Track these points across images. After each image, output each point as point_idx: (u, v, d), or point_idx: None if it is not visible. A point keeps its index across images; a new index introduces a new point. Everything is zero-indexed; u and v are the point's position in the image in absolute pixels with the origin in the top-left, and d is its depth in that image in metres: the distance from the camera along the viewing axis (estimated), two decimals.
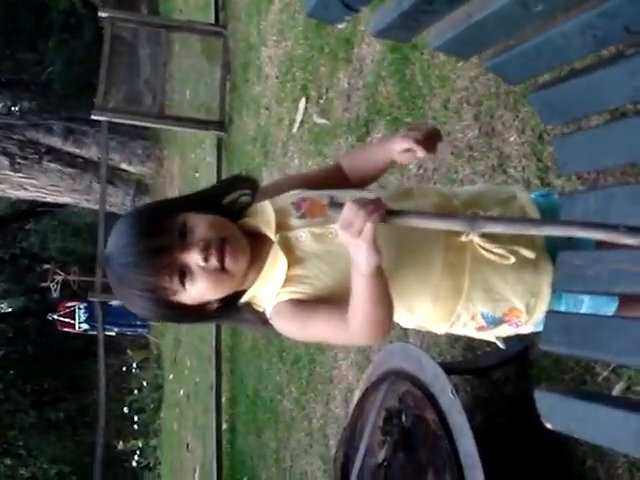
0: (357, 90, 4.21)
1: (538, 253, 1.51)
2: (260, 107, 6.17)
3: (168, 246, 1.39)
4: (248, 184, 1.59)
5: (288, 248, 1.48)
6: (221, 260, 1.40)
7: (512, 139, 2.76)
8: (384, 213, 1.25)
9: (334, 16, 1.23)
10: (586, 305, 1.52)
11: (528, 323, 1.59)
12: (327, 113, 4.64)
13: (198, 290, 1.42)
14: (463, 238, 1.48)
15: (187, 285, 1.41)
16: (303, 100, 5.05)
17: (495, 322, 1.59)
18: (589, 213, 1.32)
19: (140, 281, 1.41)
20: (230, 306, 1.53)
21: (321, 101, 4.76)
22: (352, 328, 1.42)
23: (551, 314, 1.36)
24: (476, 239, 1.47)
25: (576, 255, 1.30)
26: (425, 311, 1.57)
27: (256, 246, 1.49)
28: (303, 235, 1.47)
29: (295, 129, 5.17)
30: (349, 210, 1.26)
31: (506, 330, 1.63)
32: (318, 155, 4.69)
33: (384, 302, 1.39)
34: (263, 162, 5.89)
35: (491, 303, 1.55)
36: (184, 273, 1.41)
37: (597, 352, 1.28)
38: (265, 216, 1.50)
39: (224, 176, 7.10)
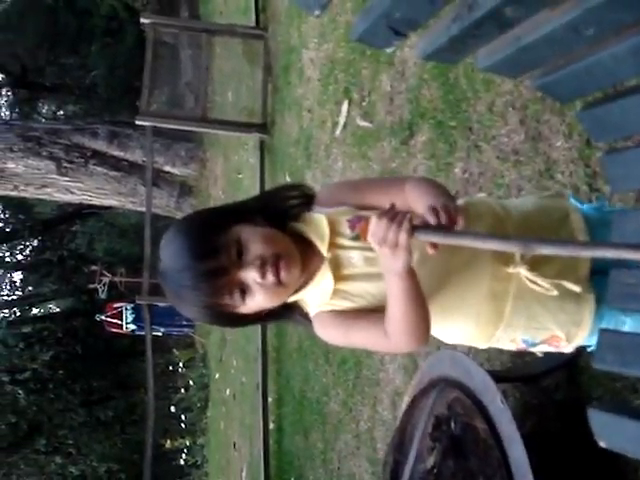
0: (400, 93, 4.21)
1: (583, 283, 1.52)
2: (302, 109, 6.19)
3: (225, 267, 1.41)
4: (300, 192, 1.60)
5: (338, 265, 1.50)
6: (277, 274, 1.42)
7: (559, 144, 2.74)
8: (411, 225, 1.28)
9: (382, 42, 1.24)
10: (628, 325, 1.51)
11: (568, 347, 1.61)
12: (370, 116, 4.64)
13: (257, 303, 1.46)
14: (511, 269, 1.49)
15: (247, 300, 1.44)
16: (345, 103, 5.06)
17: (535, 345, 1.62)
18: None
19: (200, 300, 1.45)
20: (283, 308, 1.56)
21: (364, 104, 4.77)
22: (391, 334, 1.45)
23: (604, 332, 1.36)
24: (523, 272, 1.48)
25: (629, 273, 1.30)
26: (465, 333, 1.61)
27: (305, 250, 1.51)
28: (355, 257, 1.50)
29: (338, 132, 5.18)
30: (379, 225, 1.29)
31: (546, 349, 1.65)
32: (362, 158, 4.69)
33: (419, 304, 1.42)
34: (306, 164, 5.91)
35: (532, 331, 1.58)
36: (244, 290, 1.43)
37: None
38: (319, 230, 1.51)
39: (267, 178, 7.15)
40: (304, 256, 1.50)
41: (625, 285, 1.29)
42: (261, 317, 1.56)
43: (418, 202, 1.42)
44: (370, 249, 1.41)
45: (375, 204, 1.51)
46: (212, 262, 1.41)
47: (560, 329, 1.56)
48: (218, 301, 1.44)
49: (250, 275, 1.42)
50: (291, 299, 1.54)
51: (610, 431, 1.29)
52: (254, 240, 1.44)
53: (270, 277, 1.41)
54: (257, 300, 1.45)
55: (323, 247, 1.50)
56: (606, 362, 1.33)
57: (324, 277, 1.50)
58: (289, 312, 1.59)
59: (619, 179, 1.38)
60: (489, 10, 1.08)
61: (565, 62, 1.25)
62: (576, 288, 1.49)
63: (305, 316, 1.58)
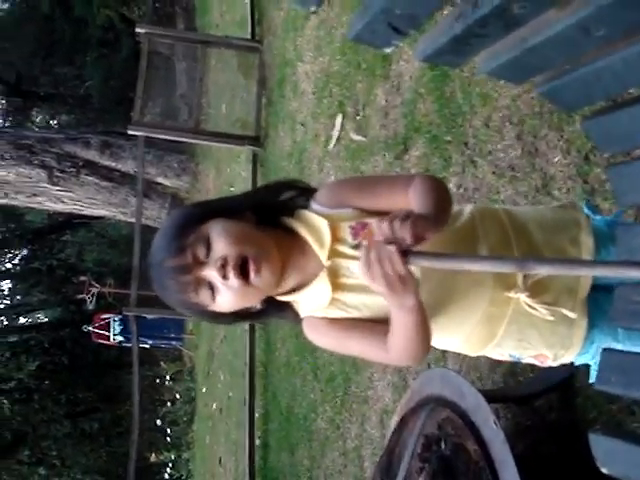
0: (395, 107, 4.16)
1: (578, 308, 1.50)
2: (296, 123, 6.15)
3: (187, 265, 1.39)
4: (295, 187, 1.56)
5: (336, 274, 1.45)
6: (242, 276, 1.37)
7: (556, 160, 2.69)
8: (400, 258, 1.18)
9: (381, 41, 1.18)
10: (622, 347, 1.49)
11: (553, 363, 1.60)
12: (364, 130, 4.60)
13: (227, 303, 1.41)
14: (512, 294, 1.46)
15: (217, 299, 1.41)
16: (340, 116, 5.02)
17: (521, 360, 1.62)
18: None
19: (171, 296, 1.44)
20: (274, 307, 1.52)
21: (358, 117, 4.72)
22: (392, 352, 1.42)
23: (607, 352, 1.30)
24: (523, 297, 1.45)
25: (635, 291, 1.24)
26: (455, 346, 1.60)
27: (298, 249, 1.46)
28: (355, 268, 1.42)
29: (331, 145, 5.13)
30: (365, 263, 1.21)
31: (531, 362, 1.63)
32: (355, 172, 4.64)
33: (425, 329, 1.38)
34: (299, 178, 5.84)
35: (521, 350, 1.56)
36: (212, 289, 1.40)
37: None
38: (320, 235, 1.45)
39: None
40: (294, 255, 1.45)
41: (631, 302, 1.23)
42: (246, 314, 1.51)
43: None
44: None
45: (380, 207, 1.44)
46: (178, 260, 1.39)
47: (549, 350, 1.56)
48: (186, 299, 1.42)
49: (212, 274, 1.38)
50: (284, 299, 1.49)
51: (613, 457, 1.23)
52: (222, 239, 1.39)
53: (232, 279, 1.36)
54: (225, 300, 1.40)
55: (323, 254, 1.44)
56: (609, 383, 1.26)
57: (321, 285, 1.45)
58: (279, 310, 1.54)
59: (624, 193, 1.32)
60: (495, 7, 1.02)
61: (572, 67, 1.19)
62: (572, 315, 1.48)
63: (296, 316, 1.53)
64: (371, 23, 1.15)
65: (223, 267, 1.36)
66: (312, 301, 1.47)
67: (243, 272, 1.36)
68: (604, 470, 1.22)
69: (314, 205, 1.49)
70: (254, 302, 1.46)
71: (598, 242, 1.52)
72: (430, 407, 2.62)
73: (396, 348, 1.41)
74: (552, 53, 1.13)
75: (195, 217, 1.44)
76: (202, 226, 1.41)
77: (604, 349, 1.34)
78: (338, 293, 1.44)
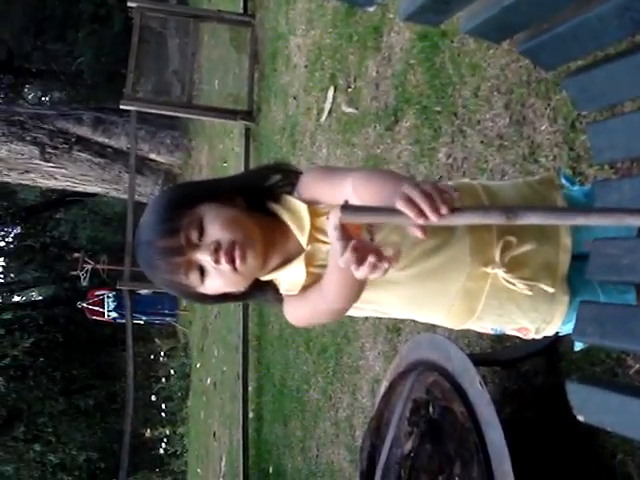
0: (386, 79, 4.18)
1: (558, 284, 1.52)
2: (288, 96, 6.15)
3: (180, 247, 1.40)
4: (283, 172, 1.56)
5: (314, 256, 1.47)
6: (231, 262, 1.39)
7: (543, 128, 2.72)
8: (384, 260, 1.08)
9: (364, 0, 1.20)
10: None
11: (536, 336, 1.63)
12: (355, 102, 4.61)
13: (215, 286, 1.44)
14: (489, 270, 1.48)
15: (206, 282, 1.43)
16: (331, 89, 5.03)
17: (503, 332, 1.65)
18: (624, 201, 1.28)
19: (160, 276, 1.46)
20: (256, 288, 1.53)
21: (349, 90, 4.74)
22: (327, 294, 1.40)
23: (585, 304, 1.33)
24: (501, 273, 1.47)
25: (610, 244, 1.27)
26: (435, 320, 1.62)
27: (281, 233, 1.48)
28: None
29: (323, 118, 5.14)
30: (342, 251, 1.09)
31: (513, 334, 1.66)
32: (347, 145, 4.66)
33: (357, 293, 1.39)
34: (291, 152, 5.87)
35: (502, 324, 1.59)
36: (202, 272, 1.42)
37: (631, 343, 1.25)
38: (300, 221, 1.47)
39: (252, 166, 7.10)
40: (277, 238, 1.48)
41: (606, 256, 1.26)
42: (232, 297, 1.53)
43: (382, 194, 1.21)
44: None
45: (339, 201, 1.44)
46: (171, 241, 1.40)
47: (531, 324, 1.58)
48: (175, 280, 1.44)
49: (205, 258, 1.40)
50: (265, 278, 1.52)
51: (589, 405, 1.26)
52: (215, 223, 1.41)
53: (224, 264, 1.39)
54: (215, 283, 1.43)
55: (303, 239, 1.46)
56: (586, 334, 1.30)
57: (298, 268, 1.47)
58: (262, 292, 1.56)
59: (601, 150, 1.35)
60: None
61: (550, 25, 1.22)
62: (551, 290, 1.50)
63: (279, 295, 1.55)
64: None
65: (216, 251, 1.38)
66: (289, 282, 1.50)
67: (233, 258, 1.39)
68: (580, 417, 1.25)
69: (296, 193, 1.51)
70: (241, 287, 1.48)
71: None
72: (418, 371, 2.67)
73: (334, 286, 1.37)
74: (530, 11, 1.15)
75: (188, 199, 1.45)
76: (195, 209, 1.42)
77: (581, 301, 1.37)
78: (314, 268, 1.47)
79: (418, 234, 1.05)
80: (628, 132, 1.25)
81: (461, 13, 1.28)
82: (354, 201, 1.27)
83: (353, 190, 1.35)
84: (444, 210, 1.02)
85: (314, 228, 1.45)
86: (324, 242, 1.45)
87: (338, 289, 1.37)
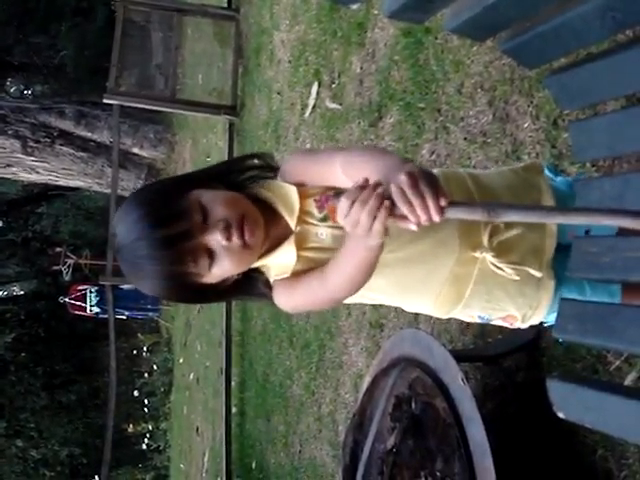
0: (370, 75, 4.18)
1: (544, 268, 1.53)
2: (272, 92, 6.14)
3: (189, 231, 1.35)
4: (261, 161, 1.55)
5: (304, 239, 1.45)
6: (242, 236, 1.36)
7: (526, 125, 2.73)
8: (390, 205, 1.10)
9: None
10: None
11: (522, 325, 1.63)
12: (339, 98, 4.61)
13: (223, 269, 1.40)
14: (477, 254, 1.49)
15: (213, 267, 1.38)
16: (315, 85, 5.02)
17: (490, 321, 1.64)
18: (605, 200, 1.29)
19: (163, 271, 1.37)
20: (245, 279, 1.50)
21: (333, 86, 4.73)
22: (330, 281, 1.39)
23: (566, 302, 1.34)
24: (489, 257, 1.48)
25: (591, 242, 1.28)
26: (423, 308, 1.61)
27: (269, 216, 1.46)
28: (324, 234, 1.44)
29: (307, 114, 5.14)
30: (350, 206, 1.12)
31: (500, 324, 1.66)
32: (330, 140, 4.66)
33: (368, 272, 1.35)
34: (275, 147, 5.86)
35: (489, 310, 1.59)
36: (210, 256, 1.37)
37: (611, 341, 1.26)
38: (288, 202, 1.45)
39: None
40: (267, 221, 1.44)
41: (587, 254, 1.27)
42: (223, 291, 1.50)
43: (373, 164, 1.26)
44: (340, 228, 1.33)
45: (337, 182, 1.41)
46: (176, 227, 1.34)
47: (517, 311, 1.58)
48: (182, 269, 1.36)
49: (215, 238, 1.35)
50: (254, 265, 1.48)
51: (569, 402, 1.28)
52: (217, 202, 1.38)
53: (235, 239, 1.35)
54: (223, 265, 1.38)
55: (292, 221, 1.44)
56: (567, 331, 1.31)
57: (288, 250, 1.45)
58: (251, 282, 1.52)
59: (583, 148, 1.35)
60: None
61: (532, 24, 1.22)
62: (538, 274, 1.51)
63: (267, 284, 1.52)
64: None
65: (226, 229, 1.35)
66: (279, 266, 1.47)
67: (243, 232, 1.36)
68: (560, 414, 1.26)
69: (280, 179, 1.50)
70: (246, 267, 1.45)
71: (559, 204, 1.56)
72: (401, 367, 2.68)
73: (339, 277, 1.37)
74: (511, 10, 1.16)
75: (176, 188, 1.42)
76: (187, 195, 1.38)
77: (562, 299, 1.38)
78: (305, 252, 1.45)
79: (413, 228, 1.11)
80: (609, 131, 1.26)
81: (445, 10, 1.29)
82: (343, 180, 1.34)
83: (342, 170, 1.36)
84: (436, 217, 1.08)
85: (301, 211, 1.44)
86: (313, 224, 1.44)
87: (346, 277, 1.36)
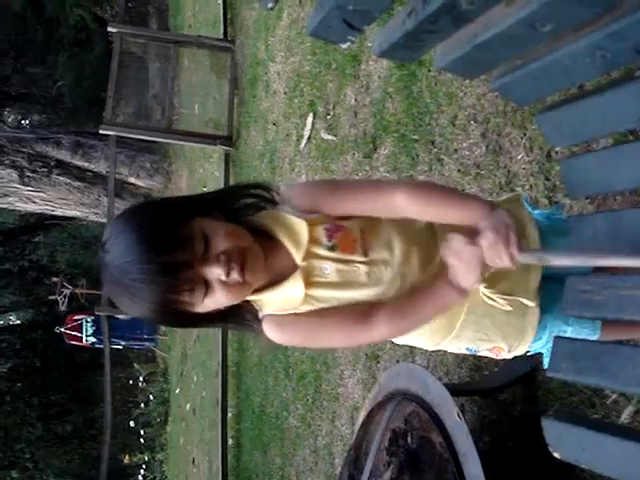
0: (364, 106, 4.19)
1: (531, 297, 1.54)
2: (268, 122, 6.16)
3: (190, 261, 1.31)
4: (260, 191, 1.51)
5: (310, 274, 1.43)
6: (241, 273, 1.33)
7: (520, 157, 2.74)
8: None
9: (337, 36, 1.20)
10: (570, 334, 1.55)
11: (508, 355, 1.64)
12: (334, 129, 4.62)
13: (216, 301, 1.37)
14: None
15: (207, 298, 1.35)
16: (310, 116, 5.04)
17: (477, 352, 1.64)
18: (598, 236, 1.29)
19: (157, 297, 1.32)
20: (234, 308, 1.45)
21: (328, 117, 4.75)
22: (383, 322, 1.41)
23: (558, 340, 1.33)
24: (482, 289, 1.49)
25: (585, 280, 1.27)
26: (414, 340, 1.60)
27: (270, 248, 1.42)
28: (328, 268, 1.43)
29: (302, 145, 5.15)
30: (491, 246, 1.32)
31: (487, 355, 1.67)
32: (325, 171, 4.67)
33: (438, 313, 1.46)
34: (271, 177, 5.87)
35: (477, 342, 1.60)
36: (206, 287, 1.34)
37: (605, 380, 1.24)
38: (296, 236, 1.42)
39: None
40: (267, 254, 1.41)
41: (580, 292, 1.26)
42: (211, 318, 1.45)
43: (459, 206, 1.44)
44: (344, 261, 1.39)
45: (355, 212, 1.44)
46: (178, 255, 1.30)
47: (504, 342, 1.59)
48: (177, 297, 1.32)
49: (215, 271, 1.32)
50: (250, 298, 1.45)
51: (565, 442, 1.26)
52: (219, 235, 1.34)
53: (235, 275, 1.33)
54: (217, 299, 1.35)
55: (298, 255, 1.41)
56: (560, 370, 1.30)
57: (295, 284, 1.42)
58: (238, 313, 1.48)
59: (577, 185, 1.35)
60: (444, 3, 1.05)
61: (522, 62, 1.22)
62: (531, 303, 1.52)
63: (255, 316, 1.48)
64: (326, 19, 1.18)
65: (227, 263, 1.32)
66: (284, 300, 1.44)
67: (244, 268, 1.34)
68: (556, 454, 1.25)
69: (287, 208, 1.46)
70: (238, 301, 1.42)
71: (541, 235, 1.57)
72: (397, 401, 2.65)
73: (399, 321, 1.43)
74: (501, 49, 1.16)
75: (178, 213, 1.37)
76: (192, 222, 1.34)
77: (555, 337, 1.37)
78: (310, 290, 1.42)
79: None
80: (601, 169, 1.26)
81: (435, 48, 1.29)
82: (405, 210, 1.43)
83: (408, 202, 1.42)
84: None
85: (310, 241, 1.41)
86: (318, 256, 1.42)
87: (419, 318, 1.44)
